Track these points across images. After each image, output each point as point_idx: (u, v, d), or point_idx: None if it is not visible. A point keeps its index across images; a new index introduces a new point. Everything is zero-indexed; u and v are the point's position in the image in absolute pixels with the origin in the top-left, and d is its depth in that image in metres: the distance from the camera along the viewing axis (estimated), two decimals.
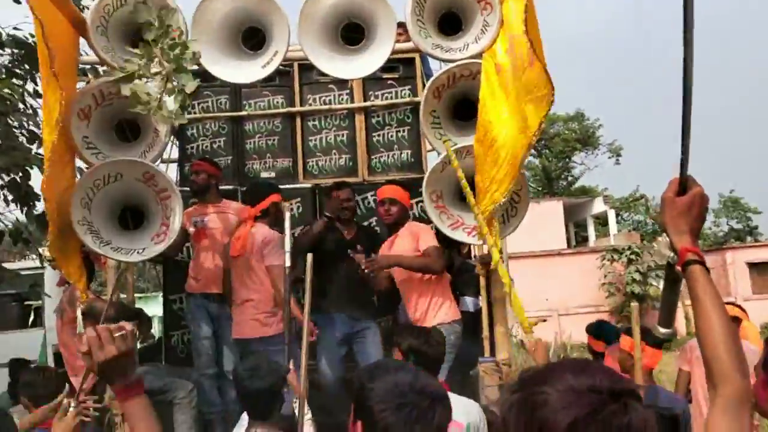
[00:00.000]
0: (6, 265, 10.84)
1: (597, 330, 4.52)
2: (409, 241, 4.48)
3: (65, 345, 4.64)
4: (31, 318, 10.86)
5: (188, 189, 5.08)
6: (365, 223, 5.28)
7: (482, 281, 4.53)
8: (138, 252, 3.70)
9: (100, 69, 4.03)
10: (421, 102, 4.05)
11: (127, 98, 3.66)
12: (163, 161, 5.43)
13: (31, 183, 5.40)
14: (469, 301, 4.95)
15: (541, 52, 3.60)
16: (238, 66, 3.78)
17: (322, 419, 3.61)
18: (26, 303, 11.09)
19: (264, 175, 5.48)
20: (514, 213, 4.11)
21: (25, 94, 5.44)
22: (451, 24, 4.10)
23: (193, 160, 5.28)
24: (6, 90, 4.86)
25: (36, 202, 5.38)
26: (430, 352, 3.07)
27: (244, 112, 5.49)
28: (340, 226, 4.73)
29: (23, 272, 10.27)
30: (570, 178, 37.93)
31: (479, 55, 3.95)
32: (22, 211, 5.49)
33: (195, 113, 5.45)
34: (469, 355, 4.62)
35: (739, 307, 4.90)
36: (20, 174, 5.24)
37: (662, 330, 1.73)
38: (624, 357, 3.78)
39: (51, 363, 8.13)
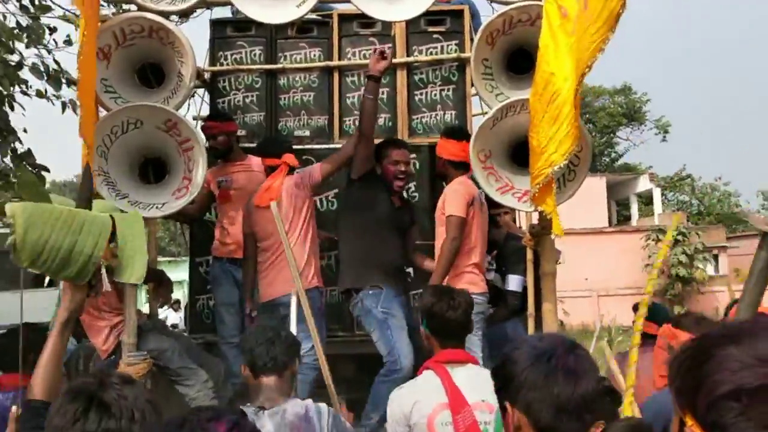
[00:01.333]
0: None
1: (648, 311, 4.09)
2: (439, 204, 4.21)
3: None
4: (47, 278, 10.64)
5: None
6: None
7: (529, 254, 4.16)
8: (157, 207, 3.41)
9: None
10: (473, 48, 3.64)
11: (151, 38, 3.36)
12: (194, 118, 5.18)
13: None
14: (514, 279, 4.57)
15: None
16: (271, 5, 3.41)
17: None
18: None
19: (298, 134, 5.16)
20: (572, 177, 3.70)
21: None
22: None
23: (232, 113, 5.00)
24: None
25: (6, 135, 5.07)
26: (451, 316, 2.68)
27: (279, 65, 5.14)
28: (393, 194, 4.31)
29: None
30: (613, 155, 36.93)
31: None
32: None
33: (227, 64, 5.13)
34: (515, 336, 4.27)
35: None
36: None
37: None
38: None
39: None
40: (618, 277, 20.29)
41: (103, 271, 3.38)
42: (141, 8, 3.43)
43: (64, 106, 5.45)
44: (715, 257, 22.90)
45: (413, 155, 4.90)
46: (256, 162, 4.61)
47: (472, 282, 4.04)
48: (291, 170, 4.29)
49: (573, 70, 3.30)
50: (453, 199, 4.09)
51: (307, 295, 4.01)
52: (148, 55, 3.46)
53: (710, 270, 22.27)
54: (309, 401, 2.44)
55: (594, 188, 23.33)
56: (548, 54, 3.39)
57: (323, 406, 2.46)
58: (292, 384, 2.52)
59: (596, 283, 20.15)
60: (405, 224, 4.37)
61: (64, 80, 5.40)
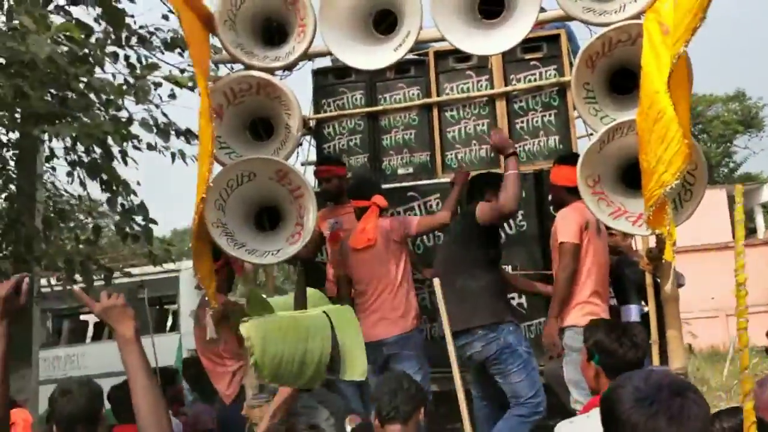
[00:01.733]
0: (143, 268, 11.40)
1: None
2: (552, 231, 4.18)
3: (203, 353, 4.63)
4: (169, 322, 10.95)
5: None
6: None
7: (648, 279, 3.99)
8: (272, 254, 3.56)
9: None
10: (572, 73, 3.59)
11: (259, 95, 3.55)
12: (302, 164, 5.39)
13: (115, 164, 5.49)
14: (632, 309, 4.39)
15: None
16: (369, 51, 3.54)
17: None
18: (163, 307, 11.12)
19: (401, 172, 5.24)
20: (688, 197, 3.52)
21: (105, 56, 5.49)
22: None
23: (348, 157, 5.21)
24: (67, 32, 4.85)
25: (120, 188, 5.43)
26: (630, 355, 2.59)
27: (379, 107, 5.27)
28: None
29: (158, 275, 10.43)
30: (732, 164, 34.76)
31: (639, 16, 3.43)
32: (109, 201, 5.58)
33: (330, 111, 5.32)
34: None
35: None
36: (95, 148, 5.30)
37: None
38: None
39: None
40: (748, 295, 18.94)
41: (208, 317, 3.57)
42: (248, 66, 3.65)
43: (173, 156, 5.81)
44: None
45: None
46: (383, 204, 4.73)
47: (593, 313, 3.91)
48: (381, 211, 4.37)
49: (679, 87, 3.19)
50: (564, 225, 4.04)
51: (415, 336, 4.09)
52: (257, 110, 3.66)
53: None
54: None
55: (714, 201, 21.91)
56: (651, 72, 3.29)
57: None
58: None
59: (724, 301, 18.83)
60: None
61: (172, 131, 5.78)
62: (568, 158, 4.28)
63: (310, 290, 2.08)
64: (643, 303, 4.30)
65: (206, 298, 4.60)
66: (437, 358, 4.42)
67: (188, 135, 6.05)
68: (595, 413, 2.41)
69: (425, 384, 4.02)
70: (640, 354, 2.62)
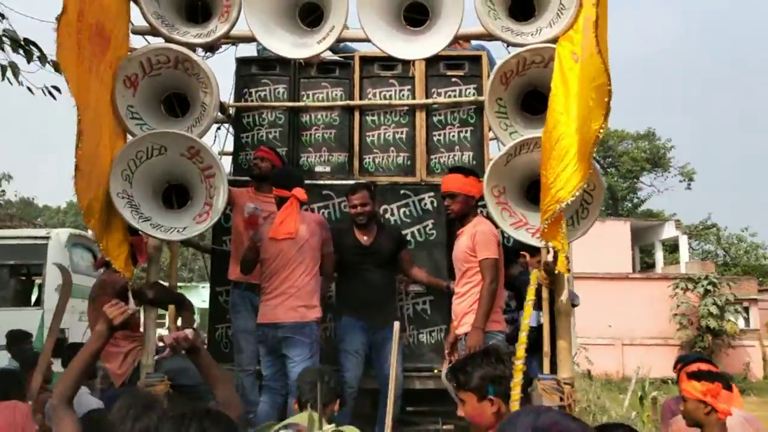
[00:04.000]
0: (8, 232, 10.34)
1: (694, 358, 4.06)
2: (465, 243, 4.20)
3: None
4: (35, 296, 9.67)
5: (240, 179, 4.93)
6: (420, 226, 5.02)
7: (544, 293, 4.18)
8: (178, 231, 3.52)
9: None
10: (487, 87, 3.75)
11: (176, 69, 3.52)
12: (219, 153, 5.33)
13: None
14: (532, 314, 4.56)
15: (605, 42, 3.22)
16: (293, 41, 3.57)
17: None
18: (24, 277, 10.00)
19: (318, 169, 5.27)
20: (585, 215, 3.74)
21: None
22: (523, 7, 3.80)
23: (250, 149, 5.17)
24: None
25: None
26: (509, 374, 2.54)
27: (302, 103, 5.30)
28: (357, 230, 4.57)
29: (24, 241, 9.58)
30: (636, 200, 36.50)
31: (554, 41, 3.63)
32: None
33: (252, 101, 5.30)
34: (528, 371, 4.26)
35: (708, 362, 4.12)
36: None
37: None
38: (694, 406, 3.06)
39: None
40: (643, 327, 19.78)
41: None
42: (167, 40, 3.60)
43: (3, 70, 5.46)
44: (746, 309, 22.30)
45: (431, 193, 5.03)
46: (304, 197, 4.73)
47: (493, 320, 4.11)
48: (300, 205, 4.40)
49: (577, 112, 3.39)
50: (486, 241, 4.12)
51: (312, 326, 4.13)
52: (173, 85, 3.62)
53: (741, 323, 21.68)
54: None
55: (618, 233, 22.85)
56: (558, 95, 3.50)
57: None
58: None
59: (620, 331, 19.62)
60: (378, 258, 4.54)
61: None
62: (469, 170, 4.46)
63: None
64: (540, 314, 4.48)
65: (103, 277, 4.50)
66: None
67: (28, 47, 5.61)
68: None
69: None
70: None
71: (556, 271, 3.66)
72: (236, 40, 4.02)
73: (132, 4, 3.47)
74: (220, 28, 3.51)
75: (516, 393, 2.66)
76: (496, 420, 2.35)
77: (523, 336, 3.77)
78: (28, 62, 5.62)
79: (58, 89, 5.81)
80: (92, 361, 2.40)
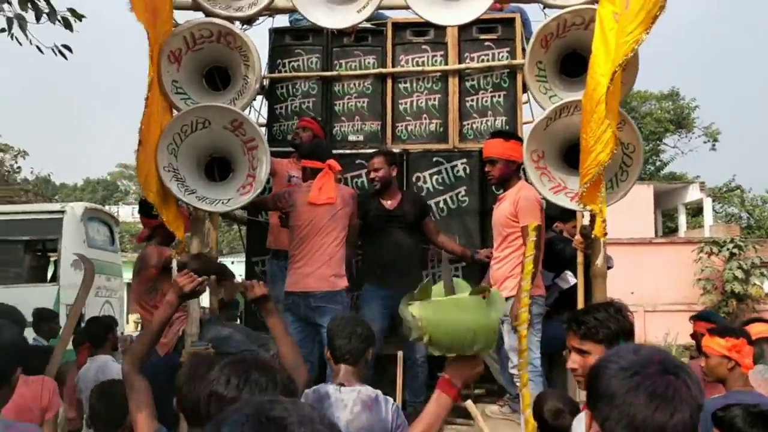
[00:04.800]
0: (22, 207, 10.01)
1: (706, 315, 4.13)
2: (507, 209, 4.17)
3: (140, 303, 4.62)
4: (50, 272, 9.46)
5: (275, 149, 4.96)
6: (453, 194, 5.03)
7: (579, 257, 4.19)
8: (223, 203, 3.58)
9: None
10: (527, 51, 3.73)
11: (219, 43, 3.55)
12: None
13: None
14: (568, 276, 4.59)
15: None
16: (332, 10, 3.57)
17: None
18: (39, 252, 9.75)
19: (352, 138, 5.30)
20: (624, 177, 3.74)
21: None
22: None
23: (284, 120, 5.22)
24: None
25: None
26: None
27: (334, 72, 5.30)
28: (380, 196, 4.61)
29: (39, 216, 9.26)
30: (659, 163, 35.82)
31: (594, 2, 3.59)
32: None
33: (285, 72, 5.32)
34: (562, 333, 4.30)
35: (767, 322, 3.99)
36: None
37: None
38: (717, 362, 3.10)
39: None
40: (667, 292, 19.58)
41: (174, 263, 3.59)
42: (209, 14, 3.63)
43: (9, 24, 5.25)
44: None
45: (463, 160, 5.04)
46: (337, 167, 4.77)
47: (536, 284, 4.07)
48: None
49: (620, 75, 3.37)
50: (529, 206, 4.07)
51: (342, 294, 4.20)
52: (215, 58, 3.66)
53: (766, 287, 21.43)
54: (378, 391, 2.71)
55: (641, 197, 22.34)
56: (599, 57, 3.46)
57: (389, 397, 2.72)
58: (365, 369, 2.82)
59: (643, 297, 19.41)
60: (402, 222, 4.58)
61: None
62: (511, 134, 4.44)
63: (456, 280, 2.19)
64: (569, 275, 4.52)
65: (147, 250, 4.60)
66: None
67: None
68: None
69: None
70: None
71: (593, 236, 3.66)
72: (275, 12, 4.01)
73: None
74: (261, 1, 3.52)
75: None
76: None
77: (525, 299, 3.75)
78: (38, 20, 5.35)
79: (69, 48, 5.64)
80: (161, 331, 2.49)
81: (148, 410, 2.20)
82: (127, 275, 9.61)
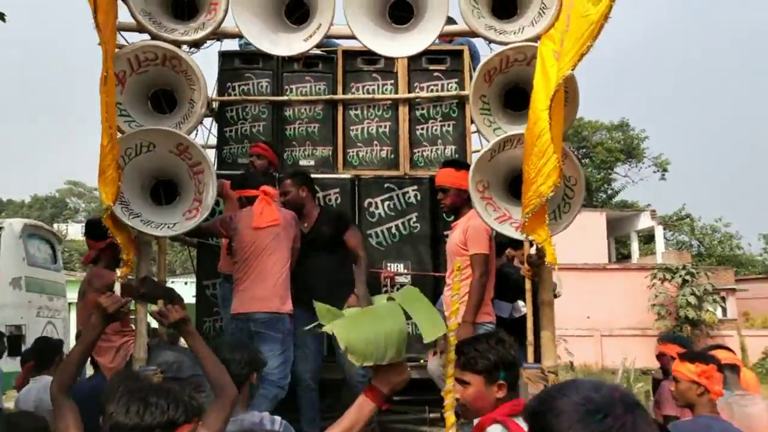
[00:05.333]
0: None
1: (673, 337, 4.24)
2: (458, 237, 4.23)
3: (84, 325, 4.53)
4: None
5: (224, 173, 4.94)
6: (404, 219, 5.08)
7: (527, 284, 4.28)
8: (168, 227, 3.55)
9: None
10: (471, 85, 3.82)
11: (164, 66, 3.54)
12: (203, 147, 5.35)
13: None
14: (504, 306, 4.67)
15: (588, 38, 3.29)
16: (280, 38, 3.61)
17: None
18: None
19: (303, 163, 5.33)
20: (567, 209, 3.84)
21: None
22: (505, 6, 3.87)
23: (234, 143, 5.26)
24: None
25: None
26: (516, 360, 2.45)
27: (285, 97, 5.33)
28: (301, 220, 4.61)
29: None
30: (610, 191, 36.73)
31: (536, 39, 3.71)
32: None
33: (235, 95, 5.33)
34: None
35: (730, 350, 4.12)
36: None
37: None
38: (687, 387, 3.13)
39: None
40: (622, 318, 19.94)
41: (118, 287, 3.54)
42: (155, 37, 3.62)
43: None
44: (723, 299, 22.56)
45: (414, 187, 5.12)
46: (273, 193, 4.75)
47: (483, 312, 4.15)
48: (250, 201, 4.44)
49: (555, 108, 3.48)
50: (477, 235, 4.13)
51: (286, 318, 4.19)
52: (161, 82, 3.64)
53: (719, 313, 21.95)
54: (265, 413, 2.70)
55: (594, 224, 22.82)
56: (540, 92, 3.58)
57: (277, 417, 2.70)
58: (248, 395, 2.80)
59: (599, 322, 19.73)
60: (319, 243, 4.53)
61: None
62: (462, 164, 4.51)
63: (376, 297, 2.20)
64: (521, 304, 4.58)
65: (93, 272, 4.51)
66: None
67: None
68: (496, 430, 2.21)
69: (284, 370, 4.19)
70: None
71: (547, 263, 3.74)
72: (222, 36, 4.03)
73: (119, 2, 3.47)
74: (207, 26, 3.54)
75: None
76: (496, 406, 2.28)
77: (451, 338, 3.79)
78: None
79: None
80: (88, 352, 2.47)
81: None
82: (72, 295, 9.60)
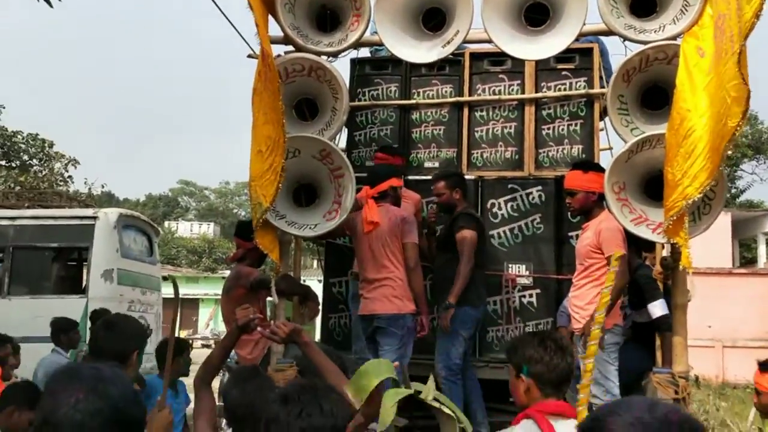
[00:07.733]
0: (51, 211, 9.05)
1: None
2: (589, 239, 4.18)
3: (230, 322, 4.82)
4: (84, 283, 8.64)
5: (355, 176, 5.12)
6: (528, 220, 5.08)
7: (660, 287, 4.17)
8: (310, 227, 3.76)
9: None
10: (609, 85, 3.78)
11: (309, 76, 3.74)
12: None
13: None
14: (659, 304, 4.47)
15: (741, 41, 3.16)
16: (418, 46, 3.73)
17: None
18: (74, 262, 9.24)
19: (428, 165, 5.43)
20: (707, 211, 3.73)
21: None
22: (645, 4, 3.80)
23: (363, 147, 5.44)
24: None
25: None
26: (550, 359, 2.37)
27: (412, 101, 5.45)
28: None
29: (69, 222, 8.60)
30: (734, 190, 34.49)
31: (677, 37, 3.62)
32: None
33: (365, 100, 5.50)
34: (640, 364, 4.27)
35: None
36: None
37: None
38: None
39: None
40: (747, 327, 18.59)
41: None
42: (300, 49, 3.84)
43: None
44: None
45: (539, 187, 5.08)
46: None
47: (615, 314, 4.09)
48: (383, 195, 4.52)
49: (708, 107, 3.38)
50: (613, 237, 4.06)
51: (406, 318, 4.30)
52: (305, 91, 3.86)
53: None
54: None
55: (718, 225, 21.39)
56: (685, 91, 3.49)
57: None
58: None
59: (721, 332, 18.45)
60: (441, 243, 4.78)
61: None
62: (591, 165, 4.45)
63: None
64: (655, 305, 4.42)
65: (237, 270, 4.82)
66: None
67: None
68: (524, 425, 2.27)
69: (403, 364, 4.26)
70: (569, 359, 2.37)
71: (680, 267, 3.65)
72: (362, 46, 4.19)
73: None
74: (350, 37, 3.72)
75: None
76: (527, 400, 2.32)
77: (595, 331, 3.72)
78: None
79: None
80: (226, 354, 2.68)
81: (207, 416, 2.44)
82: (166, 290, 9.28)
